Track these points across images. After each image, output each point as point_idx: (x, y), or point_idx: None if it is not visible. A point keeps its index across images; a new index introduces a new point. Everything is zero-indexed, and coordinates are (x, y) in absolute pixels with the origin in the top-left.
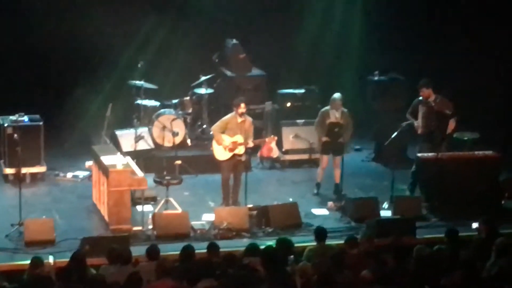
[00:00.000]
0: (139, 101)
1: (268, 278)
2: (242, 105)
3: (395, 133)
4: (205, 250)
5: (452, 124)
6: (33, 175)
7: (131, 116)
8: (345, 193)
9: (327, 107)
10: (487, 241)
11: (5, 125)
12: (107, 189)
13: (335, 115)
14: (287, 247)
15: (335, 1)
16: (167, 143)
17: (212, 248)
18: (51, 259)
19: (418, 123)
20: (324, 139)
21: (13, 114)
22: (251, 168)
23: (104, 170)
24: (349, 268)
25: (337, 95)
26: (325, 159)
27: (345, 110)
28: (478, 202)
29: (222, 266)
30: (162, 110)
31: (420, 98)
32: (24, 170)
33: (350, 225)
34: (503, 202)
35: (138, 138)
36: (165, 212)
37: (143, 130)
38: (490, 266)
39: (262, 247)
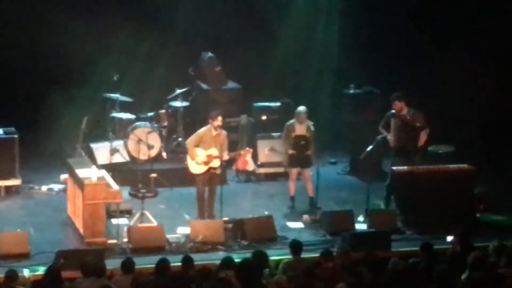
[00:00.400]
0: (114, 114)
1: None
2: (220, 118)
3: (371, 146)
4: (180, 263)
5: (423, 136)
6: (8, 188)
7: (107, 129)
8: (321, 206)
9: (292, 120)
10: (462, 254)
11: None
12: (82, 202)
13: (300, 128)
14: (262, 260)
15: (311, 15)
16: (143, 156)
17: (187, 261)
18: (26, 273)
19: (390, 136)
20: (291, 152)
21: None
22: (227, 181)
23: (79, 183)
24: (324, 281)
25: (301, 108)
26: (294, 172)
27: (311, 122)
28: (453, 215)
29: (197, 280)
30: (137, 123)
31: (393, 111)
32: None
33: (326, 238)
34: (478, 215)
35: (113, 151)
36: (140, 225)
37: (118, 143)
38: (464, 280)
39: (237, 260)
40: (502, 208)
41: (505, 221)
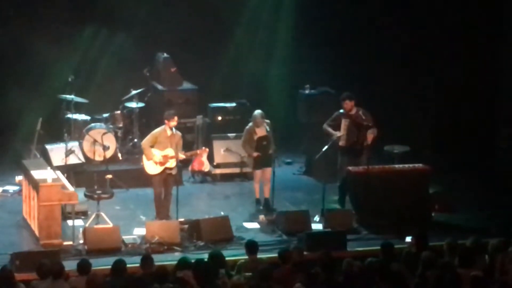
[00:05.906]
0: (69, 115)
1: None
2: (175, 118)
3: (326, 147)
4: (136, 264)
5: (370, 136)
6: None
7: (62, 130)
8: (276, 208)
9: (250, 124)
10: (418, 254)
11: None
12: (37, 203)
13: (260, 130)
14: (218, 260)
15: (265, 15)
16: (98, 157)
17: (146, 261)
18: None
19: (340, 134)
20: (256, 154)
21: None
22: (182, 182)
23: (34, 184)
24: (280, 281)
25: (256, 112)
26: (258, 173)
27: (267, 121)
28: (409, 215)
29: (154, 280)
30: (92, 124)
31: (341, 110)
32: None
33: (282, 238)
34: (433, 214)
35: (68, 152)
36: (96, 226)
37: (73, 144)
38: (417, 279)
39: (193, 261)
40: (456, 207)
41: (459, 221)
